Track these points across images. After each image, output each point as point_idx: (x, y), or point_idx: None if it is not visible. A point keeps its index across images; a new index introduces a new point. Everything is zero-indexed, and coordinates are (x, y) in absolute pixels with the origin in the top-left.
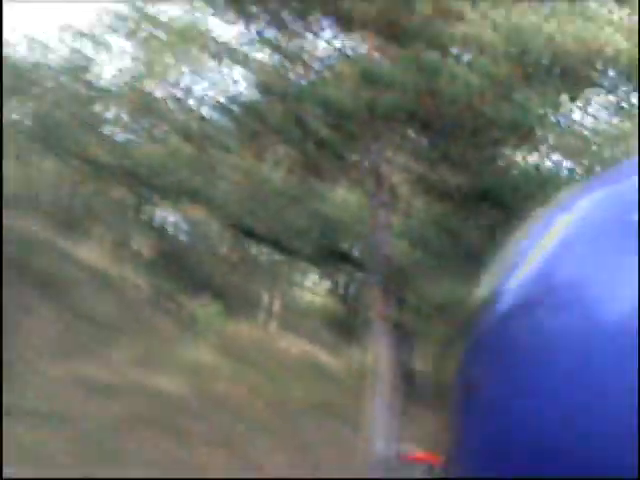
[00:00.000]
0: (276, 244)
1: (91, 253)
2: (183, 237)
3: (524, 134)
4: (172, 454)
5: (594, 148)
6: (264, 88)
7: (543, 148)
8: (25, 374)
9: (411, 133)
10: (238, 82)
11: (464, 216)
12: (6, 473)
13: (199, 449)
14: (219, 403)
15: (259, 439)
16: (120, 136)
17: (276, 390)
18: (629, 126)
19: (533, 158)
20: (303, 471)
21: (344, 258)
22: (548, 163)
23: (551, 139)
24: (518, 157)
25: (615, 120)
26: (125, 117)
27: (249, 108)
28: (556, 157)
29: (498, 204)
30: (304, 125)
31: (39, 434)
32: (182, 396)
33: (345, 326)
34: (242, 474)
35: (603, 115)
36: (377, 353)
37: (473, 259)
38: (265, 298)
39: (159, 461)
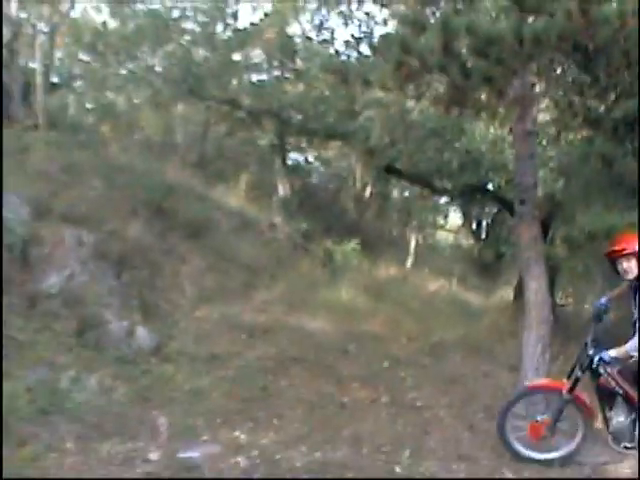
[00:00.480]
0: (416, 179)
1: (231, 196)
2: (319, 175)
3: None
4: (320, 391)
5: None
6: (408, 19)
7: None
8: (177, 319)
9: (560, 58)
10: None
11: (614, 143)
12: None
13: (346, 385)
14: (363, 340)
15: (405, 374)
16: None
17: (418, 326)
18: None
19: None
20: (451, 403)
21: (485, 192)
22: None
23: None
24: None
25: None
26: (267, 59)
27: (393, 39)
28: None
29: None
30: (450, 53)
31: (193, 375)
32: (327, 334)
33: (485, 263)
34: (389, 407)
35: None
36: (525, 286)
37: (623, 187)
38: (401, 237)
39: (308, 398)
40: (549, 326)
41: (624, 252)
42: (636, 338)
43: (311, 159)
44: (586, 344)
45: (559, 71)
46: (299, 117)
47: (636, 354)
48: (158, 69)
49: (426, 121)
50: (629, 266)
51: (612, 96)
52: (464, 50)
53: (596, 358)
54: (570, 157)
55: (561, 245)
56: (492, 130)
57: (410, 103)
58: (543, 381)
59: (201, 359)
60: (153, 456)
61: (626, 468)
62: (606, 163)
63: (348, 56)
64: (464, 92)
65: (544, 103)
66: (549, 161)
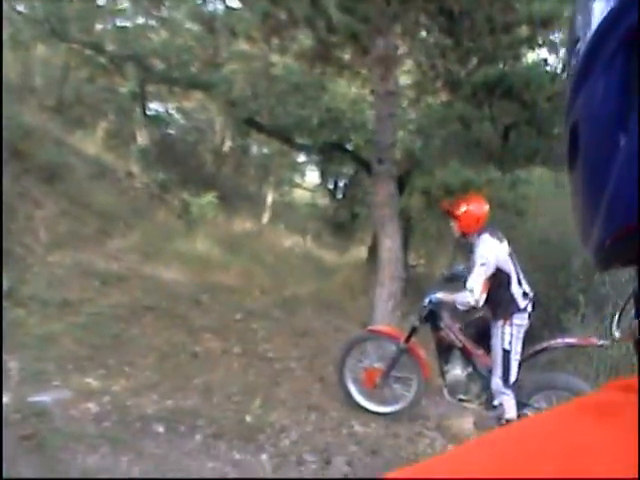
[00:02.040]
0: (276, 133)
1: (89, 143)
2: (179, 127)
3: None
4: (173, 340)
5: None
6: None
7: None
8: (30, 263)
9: (425, 20)
10: None
11: (473, 107)
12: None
13: (199, 335)
14: (216, 291)
15: (257, 326)
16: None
17: (272, 280)
18: None
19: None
20: (302, 356)
21: (344, 150)
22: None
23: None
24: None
25: None
26: (132, 4)
27: None
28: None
29: (508, 95)
30: (317, 7)
31: (45, 321)
32: (180, 284)
33: (340, 222)
34: (240, 358)
35: None
36: (379, 243)
37: (480, 149)
38: (259, 192)
39: (160, 346)
40: (401, 284)
41: (449, 212)
42: (465, 292)
43: (171, 110)
44: (425, 296)
45: (423, 33)
46: (162, 65)
47: (461, 307)
48: (19, 7)
49: (289, 76)
50: (453, 226)
51: (473, 61)
52: (332, 5)
53: (427, 299)
54: (429, 119)
55: (418, 199)
56: (353, 89)
57: (275, 57)
58: (383, 327)
59: (53, 305)
60: (3, 399)
61: (468, 423)
62: (464, 125)
63: (215, 6)
64: (329, 48)
65: (406, 66)
66: (408, 123)
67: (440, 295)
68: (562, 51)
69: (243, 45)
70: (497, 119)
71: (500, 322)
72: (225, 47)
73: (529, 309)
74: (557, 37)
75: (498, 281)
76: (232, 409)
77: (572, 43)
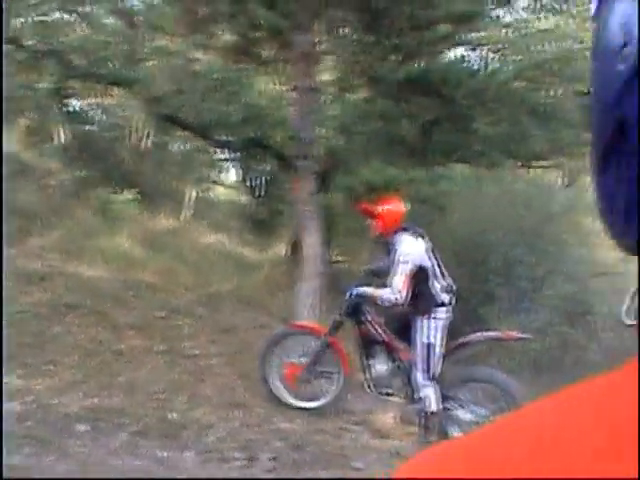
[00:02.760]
0: (198, 130)
1: (7, 141)
2: (99, 124)
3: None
4: (96, 338)
5: (519, 43)
6: None
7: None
8: None
9: (347, 16)
10: None
11: (395, 104)
12: None
13: (123, 333)
14: (139, 289)
15: (181, 323)
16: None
17: (194, 278)
18: (553, 22)
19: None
20: (226, 353)
21: (265, 147)
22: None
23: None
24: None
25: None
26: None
27: None
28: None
29: (429, 91)
30: (239, 3)
31: None
32: (103, 282)
33: (260, 219)
34: (164, 356)
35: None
36: (301, 239)
37: (403, 146)
38: (179, 190)
39: (84, 345)
40: (322, 279)
41: (367, 212)
42: (388, 289)
43: (92, 106)
44: (347, 290)
45: (346, 30)
46: (82, 61)
47: (385, 303)
48: None
49: (211, 72)
50: (371, 225)
51: (395, 58)
52: (254, 0)
53: (348, 293)
54: (351, 116)
55: (341, 196)
56: (275, 86)
57: (196, 53)
58: (306, 322)
59: None
60: None
61: (391, 417)
62: (386, 122)
63: (136, 1)
64: (251, 44)
65: (327, 62)
66: (330, 120)
67: (363, 290)
68: (481, 49)
69: (164, 41)
70: (418, 116)
71: (422, 316)
72: (146, 43)
73: (452, 302)
74: (474, 36)
75: (419, 277)
76: (156, 407)
77: (615, 48)
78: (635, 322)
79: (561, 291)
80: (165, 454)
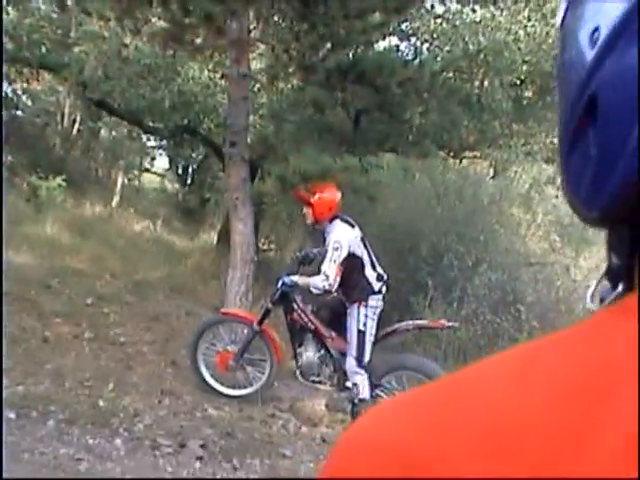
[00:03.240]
0: (127, 116)
1: None
2: (27, 109)
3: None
4: (23, 325)
5: (450, 34)
6: None
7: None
8: None
9: (280, 3)
10: None
11: (326, 92)
12: None
13: (49, 320)
14: (66, 276)
15: (108, 310)
16: None
17: (122, 265)
18: (486, 15)
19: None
20: (154, 340)
21: (195, 134)
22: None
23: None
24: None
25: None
26: None
27: None
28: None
29: (361, 80)
30: None
31: None
32: (30, 268)
33: (189, 207)
34: (92, 343)
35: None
36: (232, 227)
37: (334, 134)
38: (108, 177)
39: (10, 332)
40: (252, 267)
41: (302, 199)
42: (319, 277)
43: (19, 91)
44: (278, 279)
45: (278, 17)
46: (11, 45)
47: (315, 291)
48: None
49: (141, 57)
50: (306, 213)
51: (327, 46)
52: None
53: (280, 281)
54: (282, 103)
55: (273, 185)
56: (205, 73)
57: (127, 38)
58: (236, 310)
59: None
60: None
61: (320, 404)
62: (318, 110)
63: None
64: (183, 29)
65: (258, 50)
66: (260, 108)
67: (294, 278)
68: (413, 40)
69: (96, 26)
70: (349, 104)
71: (355, 304)
72: (77, 27)
73: (383, 291)
74: (406, 26)
75: (352, 265)
76: (85, 394)
77: (587, 33)
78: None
79: (490, 280)
80: (94, 441)
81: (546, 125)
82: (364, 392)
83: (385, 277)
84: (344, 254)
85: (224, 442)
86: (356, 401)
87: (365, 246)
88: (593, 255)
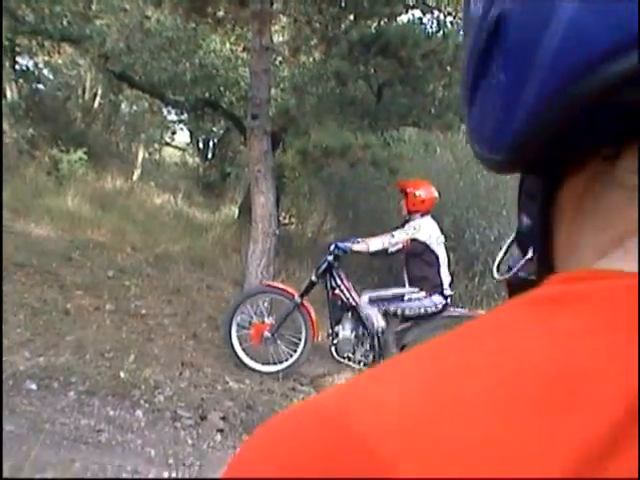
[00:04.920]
0: (149, 89)
1: None
2: (48, 83)
3: None
4: (44, 297)
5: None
6: None
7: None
8: None
9: None
10: None
11: (349, 64)
12: None
13: (70, 292)
14: (88, 248)
15: (129, 283)
16: None
17: (143, 238)
18: None
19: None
20: (175, 313)
21: (217, 107)
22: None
23: None
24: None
25: None
26: None
27: None
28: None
29: (384, 52)
30: None
31: None
32: (51, 241)
33: (210, 181)
34: (113, 315)
35: None
36: (253, 199)
37: (356, 107)
38: (128, 150)
39: (32, 304)
40: (274, 240)
41: (402, 191)
42: (385, 236)
43: (41, 65)
44: (329, 247)
45: None
46: (33, 17)
47: (373, 248)
48: None
49: (163, 30)
50: (402, 204)
51: (350, 18)
52: None
53: (332, 247)
54: (304, 76)
55: (294, 158)
56: (227, 45)
57: (149, 10)
58: (278, 283)
59: None
60: None
61: (342, 379)
62: (340, 83)
63: None
64: (205, 1)
65: (280, 22)
66: (282, 81)
67: (347, 244)
68: (435, 12)
69: None
70: (372, 77)
71: (423, 292)
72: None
73: (448, 301)
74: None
75: (428, 260)
76: (105, 366)
77: None
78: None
79: (512, 254)
80: (115, 413)
81: None
82: (379, 321)
83: (449, 298)
84: (418, 236)
85: (245, 415)
86: (375, 334)
87: (445, 250)
88: None
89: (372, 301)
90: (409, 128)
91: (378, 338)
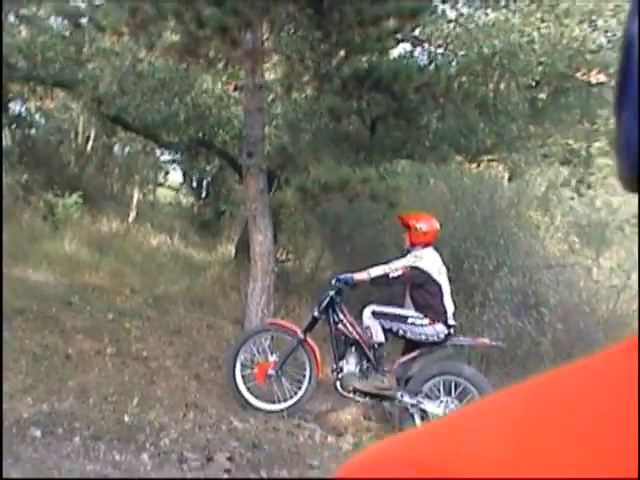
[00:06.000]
0: (143, 131)
1: None
2: (41, 127)
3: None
4: (44, 342)
5: (464, 37)
6: None
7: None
8: None
9: (294, 12)
10: None
11: (342, 99)
12: None
13: (71, 336)
14: (87, 292)
15: (129, 325)
16: None
17: (142, 279)
18: (500, 18)
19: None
20: (177, 354)
21: (210, 146)
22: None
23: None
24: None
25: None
26: None
27: None
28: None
29: (377, 87)
30: (186, 0)
31: None
32: (50, 286)
33: (205, 220)
34: (114, 358)
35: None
36: (251, 238)
37: (351, 142)
38: (123, 192)
39: (32, 349)
40: (273, 277)
41: (404, 224)
42: (386, 265)
43: (33, 109)
44: (330, 282)
45: (292, 25)
46: (25, 64)
47: (374, 274)
48: None
49: (156, 72)
50: (406, 237)
51: (342, 53)
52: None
53: (334, 281)
54: (298, 113)
55: (293, 195)
56: (219, 85)
57: (141, 53)
58: (281, 320)
59: None
60: None
61: (347, 414)
62: (334, 118)
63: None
64: (197, 42)
65: (272, 60)
66: (275, 118)
67: (347, 275)
68: (427, 45)
69: (109, 42)
70: (365, 112)
71: (427, 320)
72: (90, 44)
73: (451, 331)
74: (420, 32)
75: (431, 290)
76: (109, 410)
77: None
78: None
79: (511, 284)
80: (120, 457)
81: (561, 127)
82: (378, 335)
83: (455, 324)
84: (420, 264)
85: (251, 454)
86: (372, 346)
87: (447, 279)
88: (613, 255)
89: (375, 314)
90: (402, 160)
91: (374, 351)
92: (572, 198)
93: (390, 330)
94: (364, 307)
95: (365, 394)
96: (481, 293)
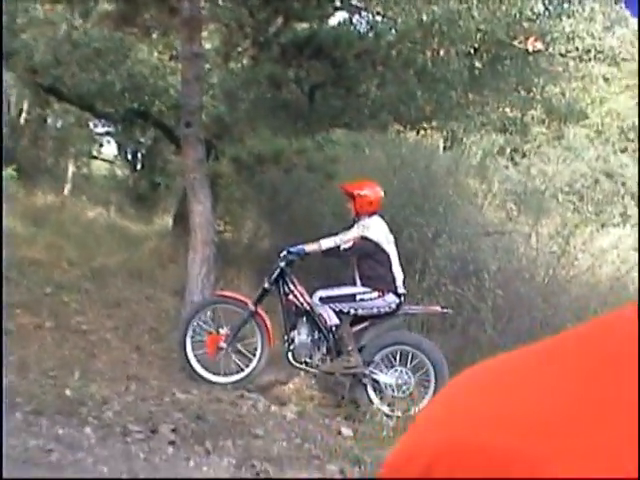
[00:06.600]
0: (78, 101)
1: None
2: None
3: None
4: None
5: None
6: None
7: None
8: None
9: None
10: None
11: (281, 67)
12: None
13: (10, 311)
14: (23, 266)
15: (68, 299)
16: None
17: (79, 252)
18: None
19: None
20: (117, 327)
21: (147, 117)
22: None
23: None
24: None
25: None
26: None
27: None
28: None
29: (318, 54)
30: None
31: None
32: None
33: (141, 192)
34: (54, 332)
35: None
36: (190, 208)
37: (290, 111)
38: (58, 164)
39: None
40: (213, 248)
41: (347, 193)
42: (337, 236)
43: None
44: (279, 254)
45: None
46: None
47: (325, 246)
48: None
49: (91, 41)
50: (350, 206)
51: (280, 20)
52: None
53: (283, 253)
54: (236, 82)
55: (227, 166)
56: (155, 54)
57: (77, 21)
58: (231, 292)
59: None
60: None
61: (290, 385)
62: (273, 87)
63: None
64: (135, 9)
65: (209, 28)
66: (211, 88)
67: (299, 247)
68: (366, 12)
69: (43, 10)
70: (304, 80)
71: (375, 293)
72: (24, 13)
73: (402, 299)
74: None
75: (379, 259)
76: (50, 384)
77: None
78: None
79: (451, 251)
80: (63, 431)
81: (499, 95)
82: (332, 319)
83: (405, 292)
84: (368, 234)
85: (195, 425)
86: (330, 330)
87: (396, 248)
88: (550, 223)
89: (323, 300)
90: (338, 130)
91: (333, 335)
92: (506, 167)
93: (341, 312)
94: (312, 294)
95: (316, 366)
96: (420, 261)
